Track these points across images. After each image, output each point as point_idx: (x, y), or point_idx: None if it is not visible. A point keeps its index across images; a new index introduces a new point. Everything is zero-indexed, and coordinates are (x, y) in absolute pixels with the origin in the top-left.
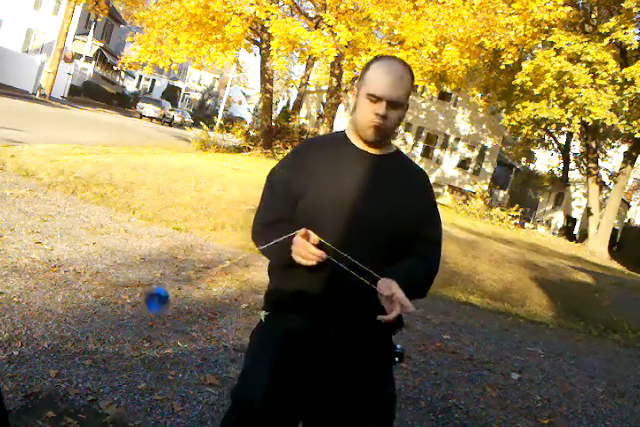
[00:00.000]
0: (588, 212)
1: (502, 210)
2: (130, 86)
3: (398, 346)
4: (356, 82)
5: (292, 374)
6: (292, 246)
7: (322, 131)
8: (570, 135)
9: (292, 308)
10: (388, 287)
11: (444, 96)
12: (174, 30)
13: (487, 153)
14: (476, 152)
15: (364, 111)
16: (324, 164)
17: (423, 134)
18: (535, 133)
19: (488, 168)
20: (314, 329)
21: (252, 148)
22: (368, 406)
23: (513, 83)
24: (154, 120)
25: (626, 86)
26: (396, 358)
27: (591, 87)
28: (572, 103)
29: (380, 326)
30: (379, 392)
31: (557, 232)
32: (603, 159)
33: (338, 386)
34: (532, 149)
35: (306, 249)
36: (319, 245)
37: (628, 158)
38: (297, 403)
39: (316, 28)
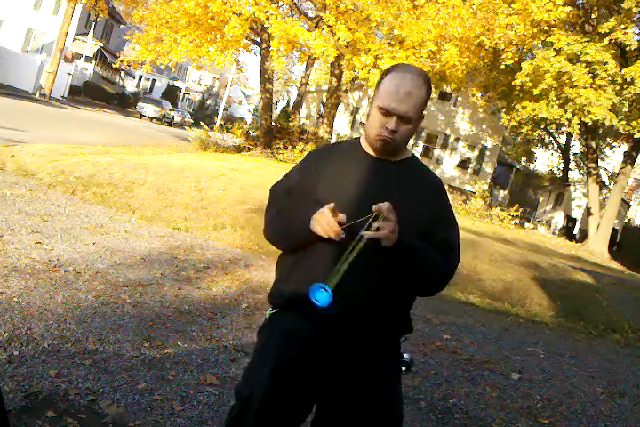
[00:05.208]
0: (588, 212)
1: (502, 210)
2: (130, 86)
3: (406, 355)
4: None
5: (292, 373)
6: (315, 216)
7: (322, 131)
8: (570, 135)
9: (293, 307)
10: (389, 210)
11: (444, 96)
12: (173, 29)
13: (487, 153)
14: (476, 152)
15: (374, 123)
16: (332, 170)
17: (423, 134)
18: (535, 133)
19: (488, 168)
20: (312, 330)
21: (251, 148)
22: (373, 409)
23: (513, 83)
24: (154, 120)
25: (625, 86)
26: (403, 368)
27: (591, 87)
28: (571, 103)
29: (386, 330)
30: (384, 396)
31: (557, 232)
32: (602, 159)
33: (342, 387)
34: (532, 149)
35: (328, 221)
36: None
37: (628, 158)
38: (299, 400)
39: (315, 28)
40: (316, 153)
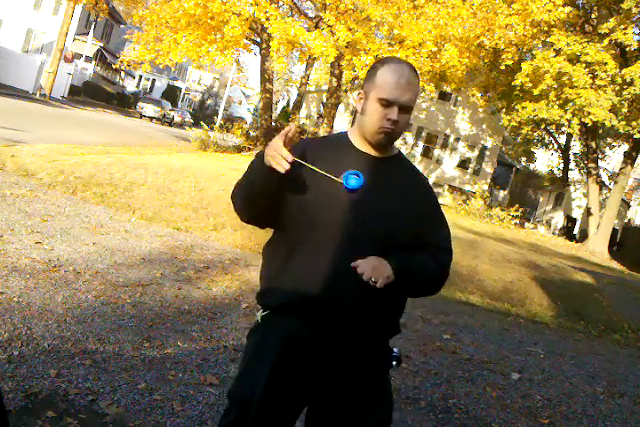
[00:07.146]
0: (588, 212)
1: (502, 210)
2: (130, 86)
3: (395, 350)
4: (364, 85)
5: (288, 376)
6: (266, 149)
7: (322, 131)
8: (570, 135)
9: (287, 310)
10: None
11: (444, 96)
12: (173, 29)
13: (487, 153)
14: (476, 152)
15: (374, 116)
16: (324, 165)
17: (423, 134)
18: (535, 133)
19: (488, 168)
20: (309, 334)
21: (252, 147)
22: (365, 408)
23: (512, 83)
24: (154, 120)
25: (625, 87)
26: (394, 363)
27: (590, 88)
28: (571, 104)
29: (377, 331)
30: (375, 395)
31: (557, 232)
32: (602, 159)
33: (335, 389)
34: (532, 149)
35: (276, 147)
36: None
37: (628, 158)
38: (294, 403)
39: (315, 28)
40: (304, 147)
